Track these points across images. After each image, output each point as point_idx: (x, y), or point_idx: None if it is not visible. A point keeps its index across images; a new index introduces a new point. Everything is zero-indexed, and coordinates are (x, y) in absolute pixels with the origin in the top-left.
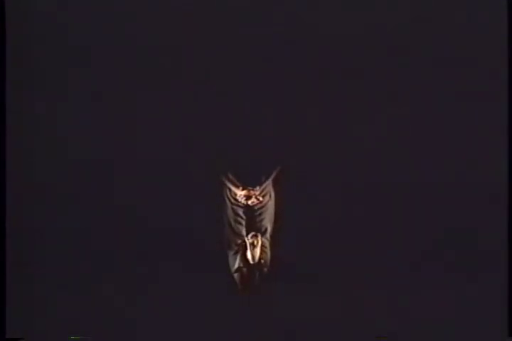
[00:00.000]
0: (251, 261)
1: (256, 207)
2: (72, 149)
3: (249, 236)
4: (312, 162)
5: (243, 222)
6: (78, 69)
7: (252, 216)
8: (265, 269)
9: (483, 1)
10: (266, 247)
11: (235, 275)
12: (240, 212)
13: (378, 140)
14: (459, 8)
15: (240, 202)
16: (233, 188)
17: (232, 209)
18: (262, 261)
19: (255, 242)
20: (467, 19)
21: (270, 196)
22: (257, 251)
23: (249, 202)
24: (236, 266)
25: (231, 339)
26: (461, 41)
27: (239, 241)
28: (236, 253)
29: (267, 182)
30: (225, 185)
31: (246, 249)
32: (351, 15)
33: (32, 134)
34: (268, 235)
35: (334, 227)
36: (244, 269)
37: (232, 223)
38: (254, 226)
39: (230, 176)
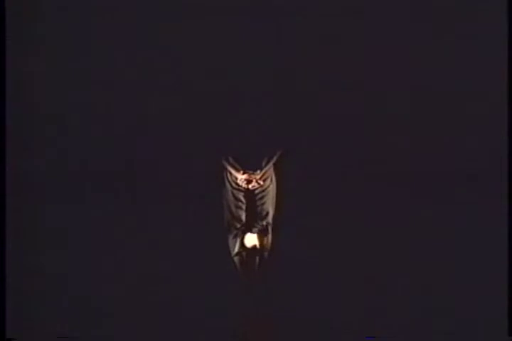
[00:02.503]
0: (257, 247)
1: (256, 191)
2: (72, 149)
3: (257, 228)
4: (313, 146)
5: (243, 207)
6: (78, 69)
7: (253, 200)
8: (266, 253)
9: (483, 1)
10: (266, 230)
11: (235, 259)
12: (241, 196)
13: (378, 127)
14: (459, 8)
15: (241, 186)
16: (234, 172)
17: (233, 193)
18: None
19: (264, 232)
20: (467, 19)
21: (271, 180)
22: (266, 239)
23: (250, 186)
24: (236, 250)
25: (230, 322)
26: (461, 41)
27: (238, 226)
28: (235, 237)
29: (268, 167)
30: (226, 168)
31: (246, 234)
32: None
33: (32, 134)
34: (270, 219)
35: (335, 213)
36: (244, 253)
37: (232, 207)
38: (255, 210)
39: (231, 160)
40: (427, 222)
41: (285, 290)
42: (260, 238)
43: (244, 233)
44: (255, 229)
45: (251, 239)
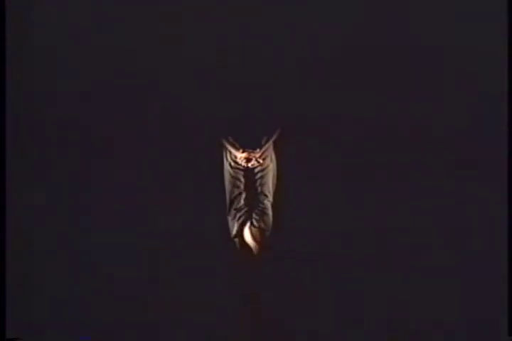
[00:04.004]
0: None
1: (256, 170)
2: (72, 148)
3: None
4: (312, 125)
5: (242, 186)
6: (78, 68)
7: (253, 180)
8: (267, 233)
9: (483, 0)
10: (267, 209)
11: (235, 240)
12: (240, 175)
13: (379, 110)
14: (459, 8)
15: (240, 164)
16: (233, 151)
17: (232, 172)
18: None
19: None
20: (467, 19)
21: (271, 159)
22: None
23: (250, 165)
24: (235, 231)
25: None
26: (461, 41)
27: (238, 206)
28: (235, 218)
29: (268, 145)
30: (225, 147)
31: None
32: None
33: (32, 134)
34: (271, 198)
35: (335, 191)
36: None
37: (232, 187)
38: (255, 189)
39: (230, 139)
40: (426, 221)
41: (285, 270)
42: (255, 239)
43: (244, 215)
44: (254, 224)
45: (248, 238)
